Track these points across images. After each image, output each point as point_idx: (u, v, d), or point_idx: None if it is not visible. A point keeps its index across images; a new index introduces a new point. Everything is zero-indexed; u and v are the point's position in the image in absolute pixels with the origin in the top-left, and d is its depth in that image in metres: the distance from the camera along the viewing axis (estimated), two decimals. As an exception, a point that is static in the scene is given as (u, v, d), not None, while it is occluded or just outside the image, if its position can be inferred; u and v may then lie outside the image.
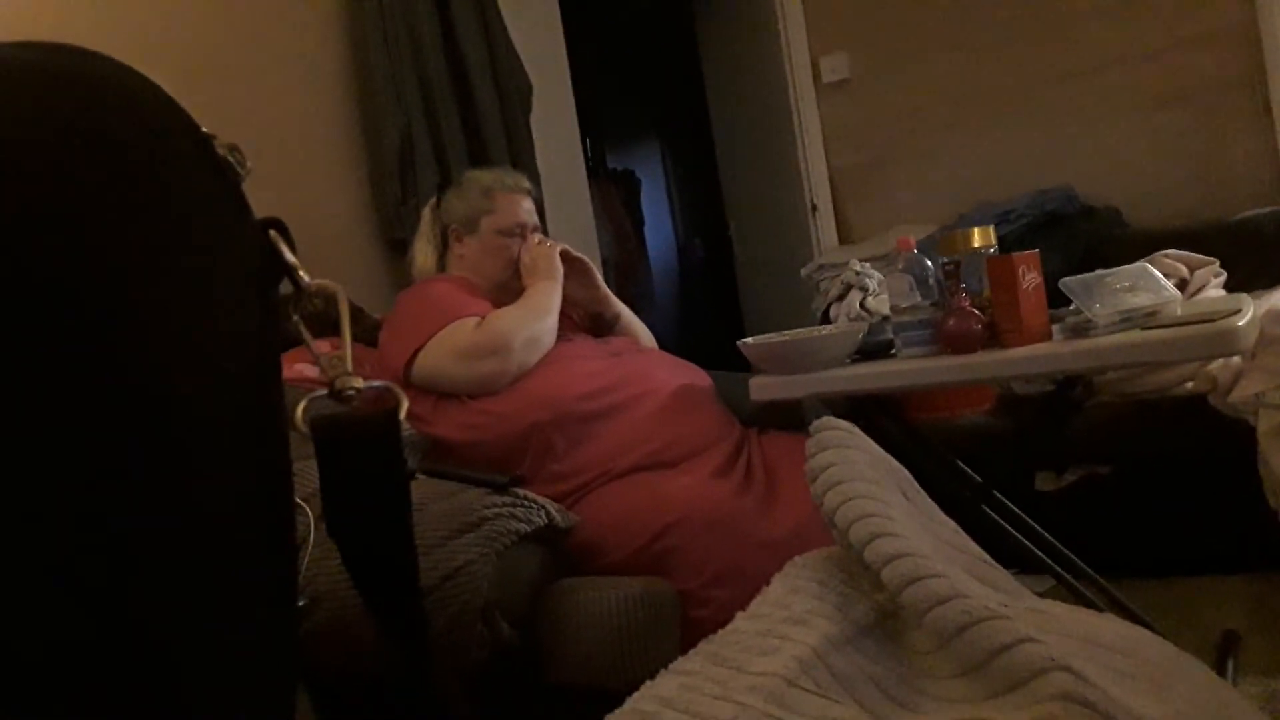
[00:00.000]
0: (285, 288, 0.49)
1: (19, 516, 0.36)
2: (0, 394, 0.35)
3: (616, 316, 2.12)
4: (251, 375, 0.42)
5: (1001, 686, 0.50)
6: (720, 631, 0.59)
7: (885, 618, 0.61)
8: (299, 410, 0.45)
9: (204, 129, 0.43)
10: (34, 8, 2.06)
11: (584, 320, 2.15)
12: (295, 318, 0.47)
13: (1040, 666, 0.48)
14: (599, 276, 2.12)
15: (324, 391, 0.47)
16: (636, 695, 0.54)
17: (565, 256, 2.03)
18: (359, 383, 0.46)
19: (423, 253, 2.15)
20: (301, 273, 0.46)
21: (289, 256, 0.45)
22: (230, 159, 0.43)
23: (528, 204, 2.10)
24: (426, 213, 2.19)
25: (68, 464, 0.37)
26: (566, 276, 2.00)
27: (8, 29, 1.96)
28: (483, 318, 1.83)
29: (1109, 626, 0.60)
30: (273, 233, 0.44)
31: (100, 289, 0.37)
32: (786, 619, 0.58)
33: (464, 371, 1.77)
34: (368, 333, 2.06)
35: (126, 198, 0.38)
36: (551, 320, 1.87)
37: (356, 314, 2.12)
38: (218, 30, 2.43)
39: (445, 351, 1.78)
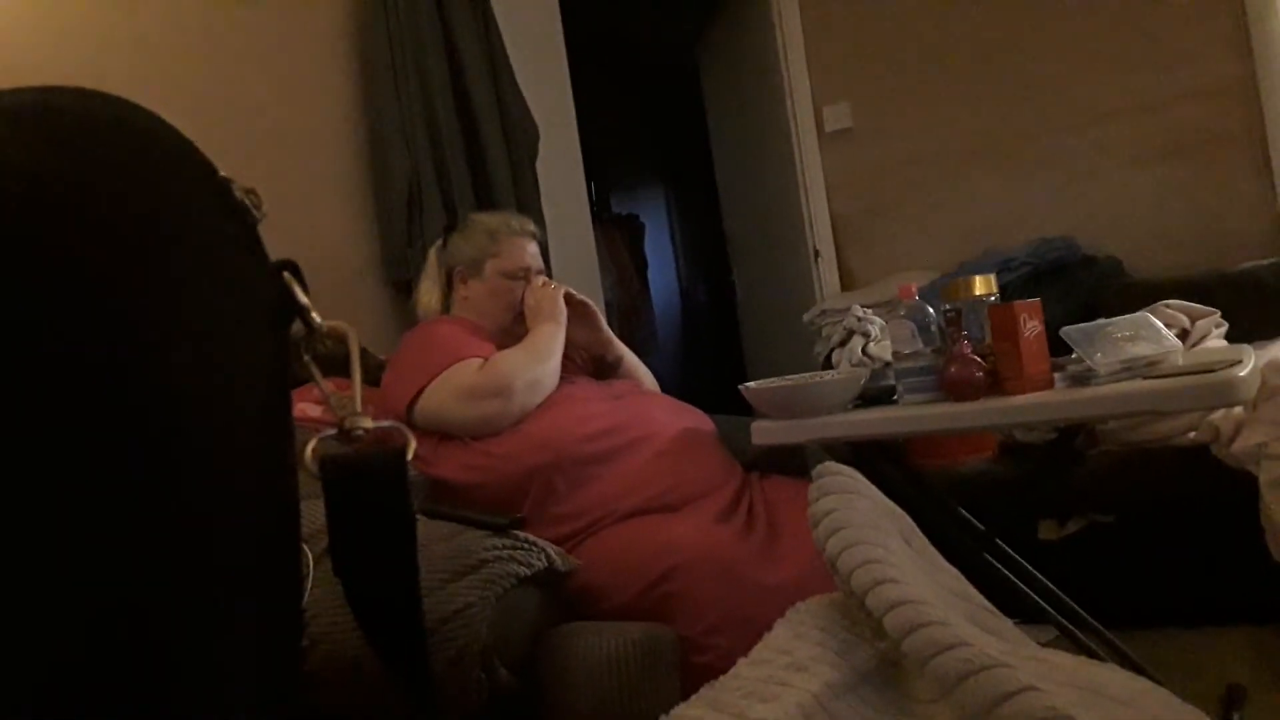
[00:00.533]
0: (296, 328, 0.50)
1: (27, 553, 0.36)
2: (16, 424, 0.36)
3: (619, 359, 2.13)
4: (263, 413, 0.43)
5: (1004, 736, 0.50)
6: (722, 677, 0.59)
7: (887, 665, 0.61)
8: (308, 449, 0.45)
9: (222, 172, 0.44)
10: (41, 51, 2.09)
11: (587, 363, 2.16)
12: (306, 358, 0.48)
13: (1042, 716, 0.48)
14: (602, 319, 2.13)
15: (333, 431, 0.47)
16: (637, 740, 0.53)
17: (568, 299, 2.04)
18: (368, 423, 0.46)
19: (428, 293, 2.17)
20: (314, 314, 0.46)
21: (302, 298, 0.45)
22: (247, 202, 0.44)
23: (532, 247, 2.12)
24: (432, 253, 2.22)
25: (79, 500, 0.37)
26: (570, 319, 2.02)
27: (18, 72, 1.99)
28: (485, 359, 1.84)
29: (1112, 677, 0.60)
30: (286, 275, 0.45)
31: (118, 328, 0.37)
32: (789, 665, 0.58)
33: (466, 412, 1.77)
34: (371, 373, 2.07)
35: (147, 238, 0.39)
36: (554, 363, 1.88)
37: (361, 354, 2.12)
38: (227, 73, 2.46)
39: (448, 392, 1.79)
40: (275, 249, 0.49)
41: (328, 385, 0.52)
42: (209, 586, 0.40)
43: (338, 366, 0.57)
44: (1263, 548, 1.85)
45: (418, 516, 1.56)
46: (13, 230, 0.37)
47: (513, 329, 2.01)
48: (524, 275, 2.07)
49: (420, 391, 1.80)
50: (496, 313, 2.05)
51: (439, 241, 2.23)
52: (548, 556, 1.45)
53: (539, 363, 1.85)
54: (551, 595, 1.49)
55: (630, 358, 2.16)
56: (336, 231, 2.70)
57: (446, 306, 2.15)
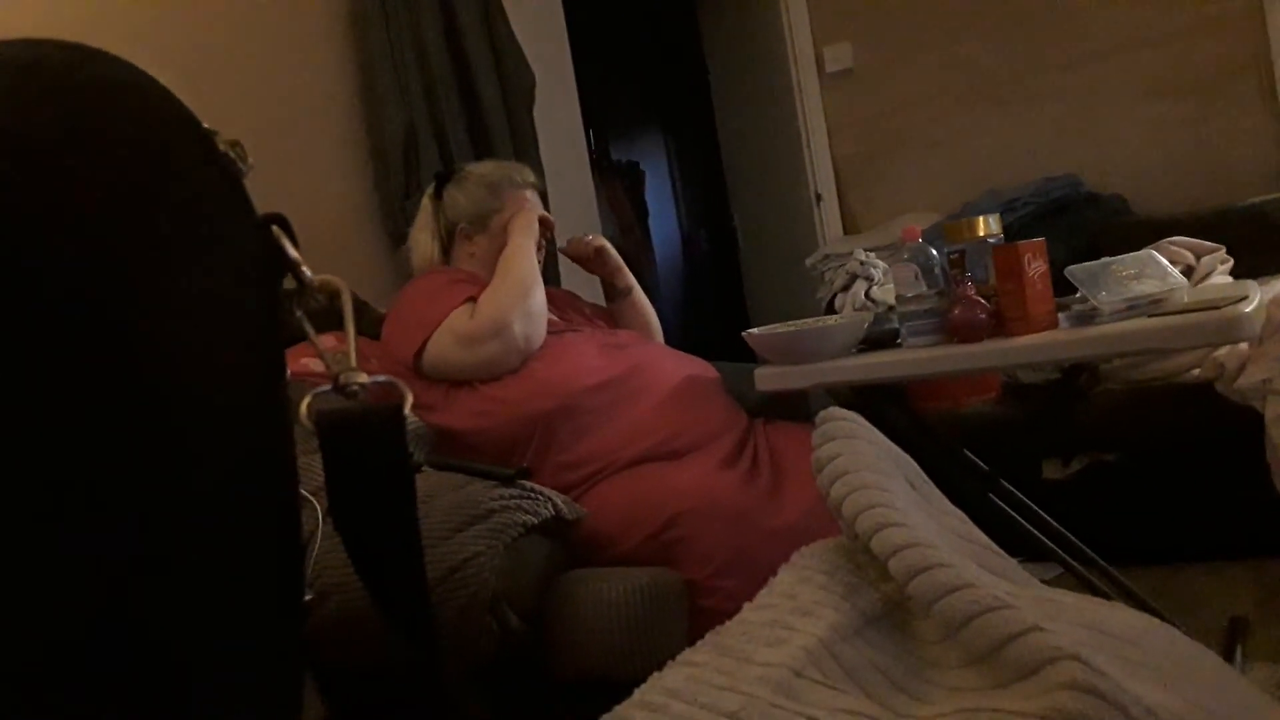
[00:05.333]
0: (290, 283, 0.49)
1: (22, 512, 0.36)
2: (4, 388, 0.35)
3: (629, 289, 2.16)
4: (255, 370, 0.42)
5: (1010, 676, 0.50)
6: (727, 623, 0.60)
7: (893, 608, 0.61)
8: (303, 405, 0.45)
9: (205, 125, 0.43)
10: (31, 5, 2.06)
11: (595, 314, 2.16)
12: (299, 313, 0.47)
13: (1049, 655, 0.48)
14: (612, 250, 2.16)
15: (328, 387, 0.47)
16: (644, 687, 0.54)
17: (578, 247, 2.12)
18: (363, 377, 0.46)
19: (424, 244, 2.14)
20: (304, 268, 0.45)
21: (292, 252, 0.45)
22: (231, 155, 0.43)
23: (534, 197, 2.10)
24: (426, 203, 2.18)
25: (70, 458, 0.37)
26: (584, 260, 2.13)
27: (6, 27, 1.95)
28: (474, 299, 1.84)
29: (1117, 615, 0.60)
30: (275, 229, 0.44)
31: (102, 286, 0.37)
32: (794, 610, 0.58)
33: (471, 357, 1.78)
34: (371, 326, 2.06)
35: (127, 195, 0.38)
36: (538, 289, 1.87)
37: (360, 308, 2.12)
38: (219, 24, 2.42)
39: (450, 339, 1.79)
40: (270, 203, 0.48)
41: (327, 340, 0.51)
42: (200, 541, 0.39)
43: (335, 321, 0.56)
44: (1266, 483, 1.85)
45: (425, 468, 1.56)
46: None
47: None
48: (546, 224, 2.06)
49: (425, 342, 1.81)
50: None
51: (430, 189, 2.19)
52: (554, 505, 1.46)
53: (525, 292, 1.84)
54: (559, 543, 1.50)
55: (640, 293, 2.19)
56: (333, 185, 2.68)
57: (447, 259, 2.14)
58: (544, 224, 2.03)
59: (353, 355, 0.46)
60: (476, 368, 1.79)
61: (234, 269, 0.41)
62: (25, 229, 0.36)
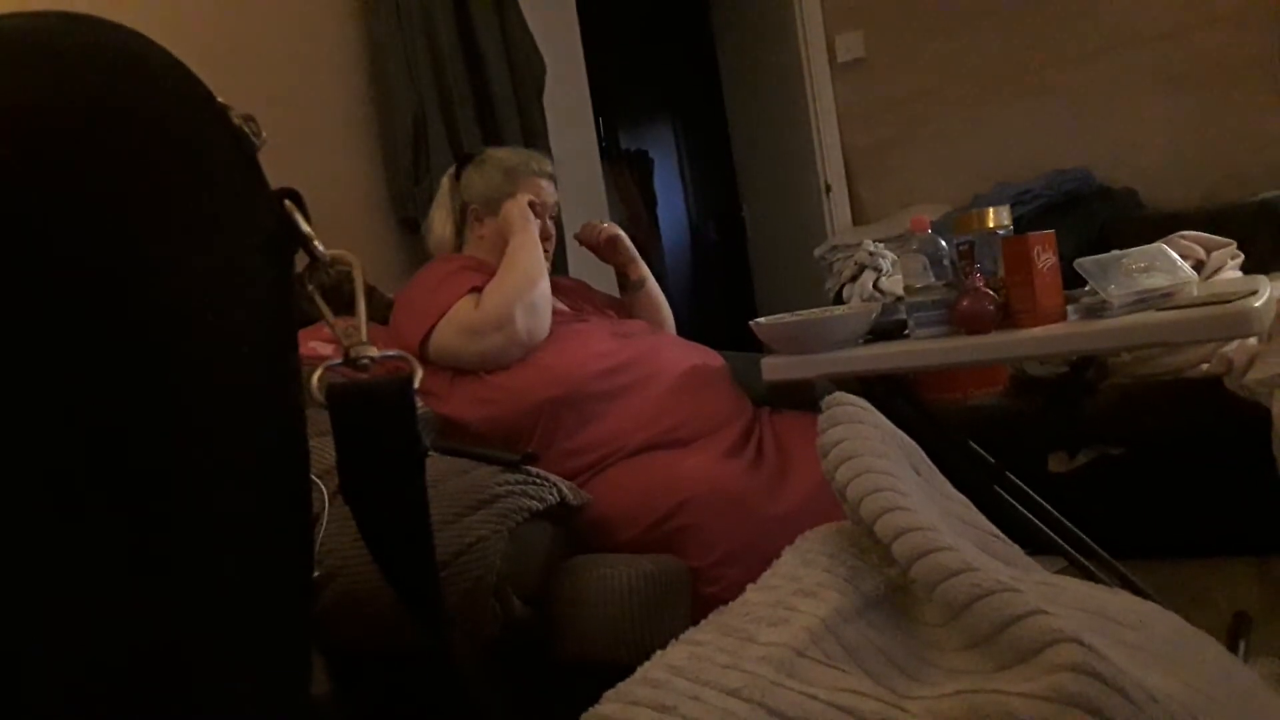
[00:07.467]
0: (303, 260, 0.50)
1: (31, 491, 0.36)
2: (16, 356, 0.35)
3: (642, 281, 2.16)
4: (267, 343, 0.42)
5: (1011, 658, 0.50)
6: (731, 603, 0.60)
7: (895, 591, 0.61)
8: (314, 378, 0.45)
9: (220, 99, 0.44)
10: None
11: (604, 303, 2.16)
12: (310, 287, 0.47)
13: (1049, 638, 0.49)
14: (628, 242, 2.17)
15: (339, 360, 0.47)
16: (647, 664, 0.54)
17: (594, 235, 2.11)
18: (374, 351, 0.46)
19: (441, 222, 2.15)
20: (317, 243, 0.46)
21: (304, 227, 0.45)
22: (245, 129, 0.43)
23: (550, 187, 2.10)
24: (445, 182, 2.19)
25: (84, 425, 0.37)
26: (594, 247, 2.12)
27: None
28: (479, 289, 1.84)
29: (1119, 601, 0.60)
30: (288, 203, 0.45)
31: (116, 254, 0.37)
32: (797, 591, 0.59)
33: (474, 348, 1.78)
34: (379, 311, 2.06)
35: (143, 165, 0.38)
36: (544, 281, 1.87)
37: (369, 292, 2.11)
38: (228, 8, 2.42)
39: (454, 329, 1.80)
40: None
41: (337, 324, 0.52)
42: (214, 516, 0.40)
43: (346, 307, 0.56)
44: (1273, 480, 1.85)
45: (430, 453, 1.56)
46: (11, 156, 0.36)
47: None
48: (537, 209, 2.05)
49: (430, 330, 1.81)
50: (510, 251, 2.03)
51: (452, 169, 2.20)
52: (559, 491, 1.47)
53: (529, 285, 1.83)
54: (563, 529, 1.51)
55: (654, 285, 2.19)
56: (342, 170, 2.68)
57: (460, 239, 2.14)
58: (534, 209, 2.02)
59: (363, 329, 0.47)
60: (478, 358, 1.79)
61: (247, 240, 0.42)
62: (35, 204, 0.36)
